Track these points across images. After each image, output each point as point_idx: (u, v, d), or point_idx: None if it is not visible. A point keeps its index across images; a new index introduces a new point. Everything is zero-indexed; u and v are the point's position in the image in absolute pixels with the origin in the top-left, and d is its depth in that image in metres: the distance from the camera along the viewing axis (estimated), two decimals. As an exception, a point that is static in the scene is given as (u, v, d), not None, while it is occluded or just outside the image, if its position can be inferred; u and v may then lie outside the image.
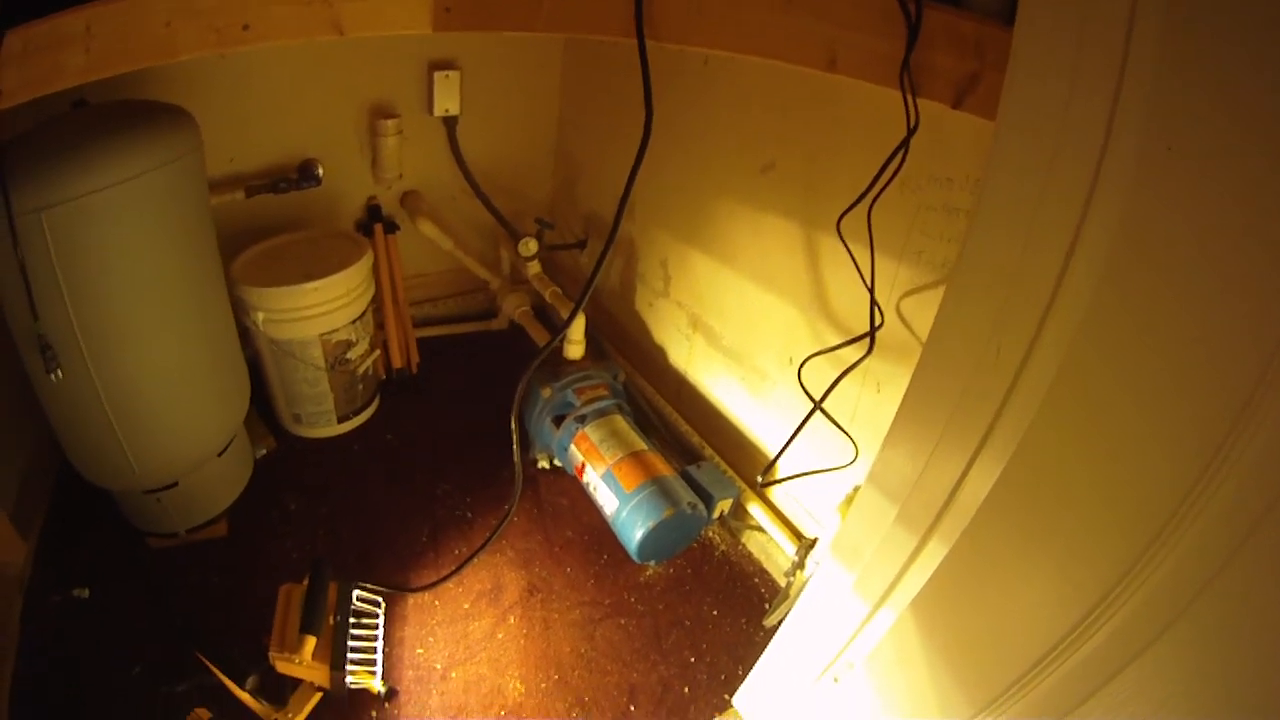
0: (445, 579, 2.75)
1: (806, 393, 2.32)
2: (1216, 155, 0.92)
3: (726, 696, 2.50)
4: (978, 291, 1.27)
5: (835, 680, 1.85)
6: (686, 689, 2.54)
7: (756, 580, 2.96)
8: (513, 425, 2.55)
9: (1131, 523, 1.10)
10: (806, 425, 2.31)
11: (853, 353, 2.24)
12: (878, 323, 2.13)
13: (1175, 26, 0.91)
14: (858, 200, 1.94)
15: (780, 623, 2.08)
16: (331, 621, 2.30)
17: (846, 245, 2.08)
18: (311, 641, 2.15)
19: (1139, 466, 1.09)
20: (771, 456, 2.82)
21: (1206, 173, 0.93)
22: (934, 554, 1.47)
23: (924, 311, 2.11)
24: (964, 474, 1.35)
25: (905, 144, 1.71)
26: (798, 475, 2.55)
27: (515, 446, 2.60)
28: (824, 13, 1.63)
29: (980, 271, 1.26)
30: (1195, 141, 0.93)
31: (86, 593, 2.56)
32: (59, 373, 2.13)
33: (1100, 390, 1.12)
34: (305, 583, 2.31)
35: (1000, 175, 1.18)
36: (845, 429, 2.32)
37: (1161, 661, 1.13)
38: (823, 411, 2.27)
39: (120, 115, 2.23)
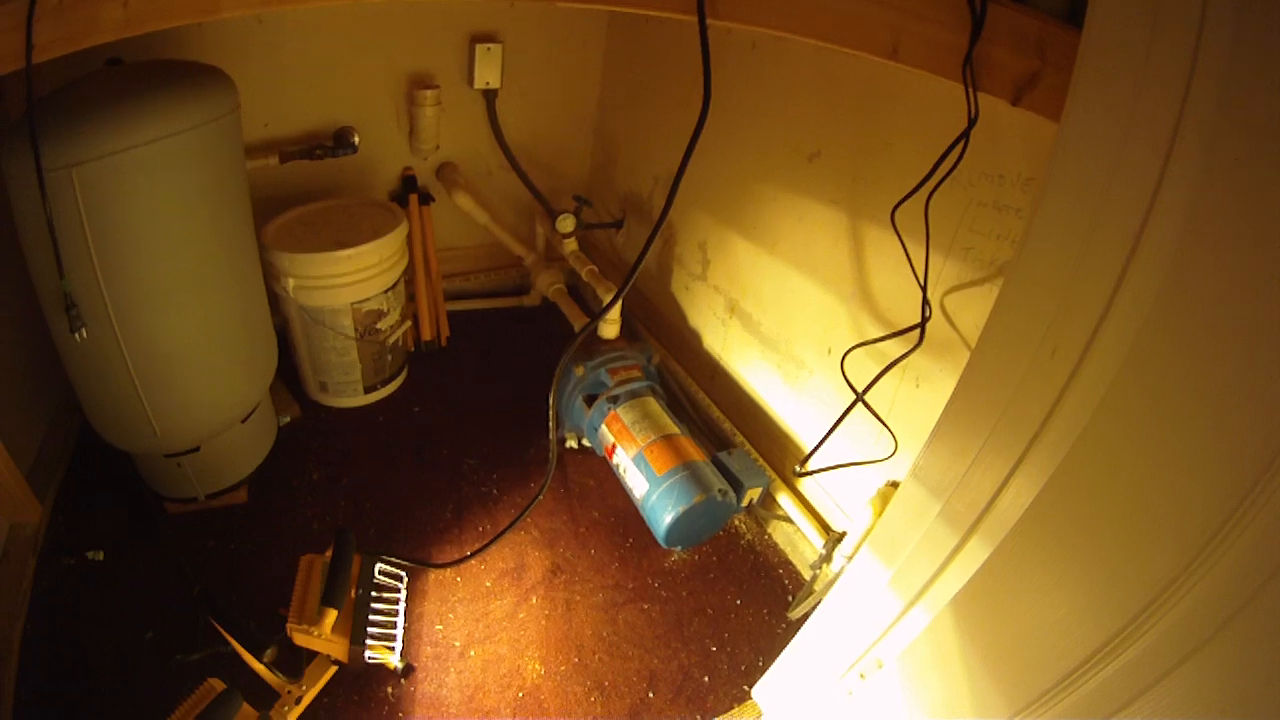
0: (470, 557, 2.73)
1: (849, 384, 2.28)
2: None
3: (746, 687, 2.47)
4: (1035, 291, 1.24)
5: (862, 677, 1.82)
6: (706, 678, 2.51)
7: (781, 571, 2.92)
8: (550, 404, 2.52)
9: (1177, 536, 1.08)
10: (846, 417, 2.27)
11: (894, 346, 2.22)
12: (927, 315, 2.09)
13: (1245, 35, 0.89)
14: (915, 189, 1.90)
15: (804, 616, 2.05)
16: (353, 595, 2.27)
17: (900, 236, 2.04)
18: (333, 615, 2.12)
19: (1192, 477, 1.06)
20: (804, 446, 2.80)
21: (1273, 178, 0.90)
22: (975, 554, 1.43)
23: (968, 308, 2.07)
24: (1010, 474, 1.32)
25: (966, 135, 1.68)
26: (836, 466, 2.51)
27: (551, 425, 2.58)
28: (888, 0, 1.59)
29: (1038, 271, 1.23)
30: (1262, 149, 0.90)
31: (101, 556, 2.56)
32: (84, 332, 2.10)
33: (1157, 399, 1.08)
34: (328, 554, 2.28)
35: (1063, 174, 1.16)
36: (885, 423, 2.28)
37: (1198, 676, 1.10)
38: (865, 404, 2.23)
39: (156, 74, 2.20)
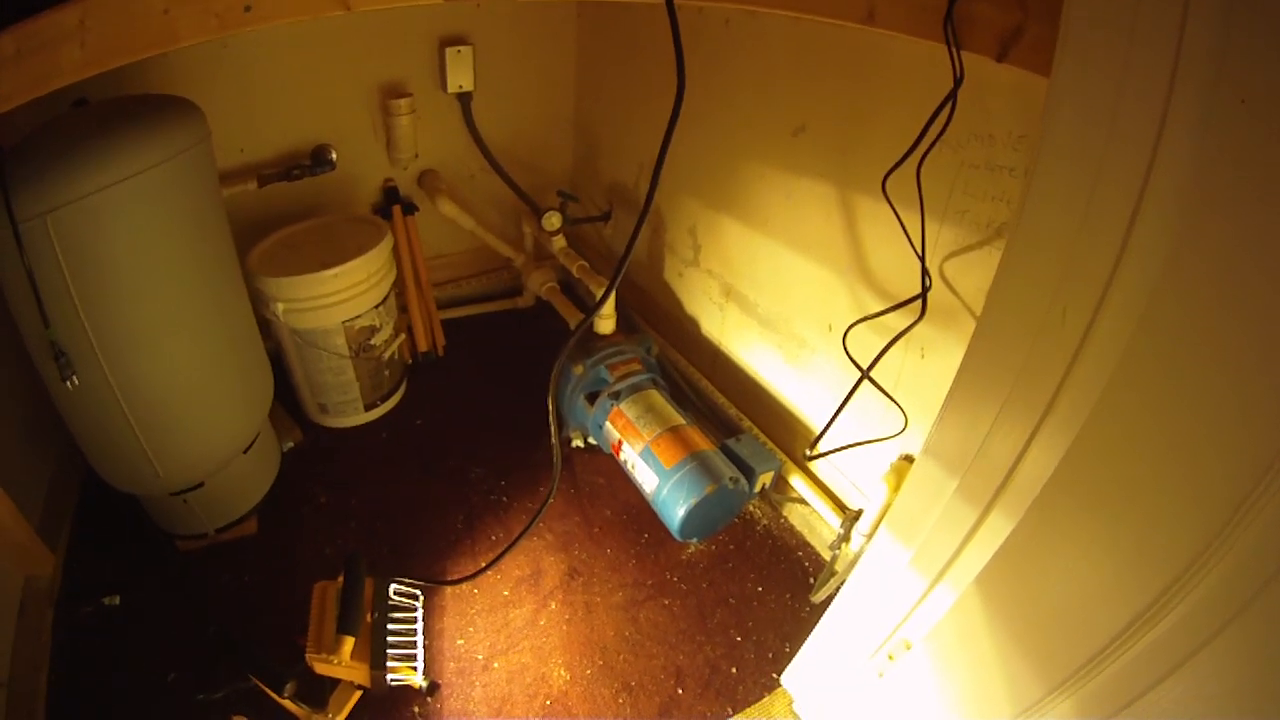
0: (483, 570, 2.71)
1: (854, 361, 2.26)
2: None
3: (774, 675, 2.45)
4: (1039, 254, 1.21)
5: (890, 658, 1.81)
6: (734, 669, 2.49)
7: (800, 554, 2.90)
8: (549, 408, 2.50)
9: (1205, 501, 1.05)
10: (853, 395, 2.25)
11: (897, 319, 2.19)
12: (925, 285, 2.07)
13: None
14: (905, 156, 1.88)
15: (828, 599, 2.03)
16: (369, 619, 2.25)
17: (892, 205, 2.02)
18: (350, 642, 2.10)
19: (1218, 441, 1.03)
20: (812, 425, 2.78)
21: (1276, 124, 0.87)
22: (997, 529, 1.41)
23: (969, 273, 2.04)
24: (1027, 445, 1.30)
25: (953, 95, 1.66)
26: (846, 447, 2.48)
27: (553, 430, 2.56)
28: None
29: (1041, 233, 1.19)
30: (1269, 87, 0.87)
31: (117, 600, 2.53)
32: (75, 379, 2.07)
33: (1177, 358, 1.05)
34: (340, 580, 2.26)
35: (1059, 127, 1.12)
36: (893, 397, 2.26)
37: (1236, 645, 1.07)
38: (871, 381, 2.21)
39: (122, 111, 2.16)
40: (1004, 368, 1.30)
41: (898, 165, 1.92)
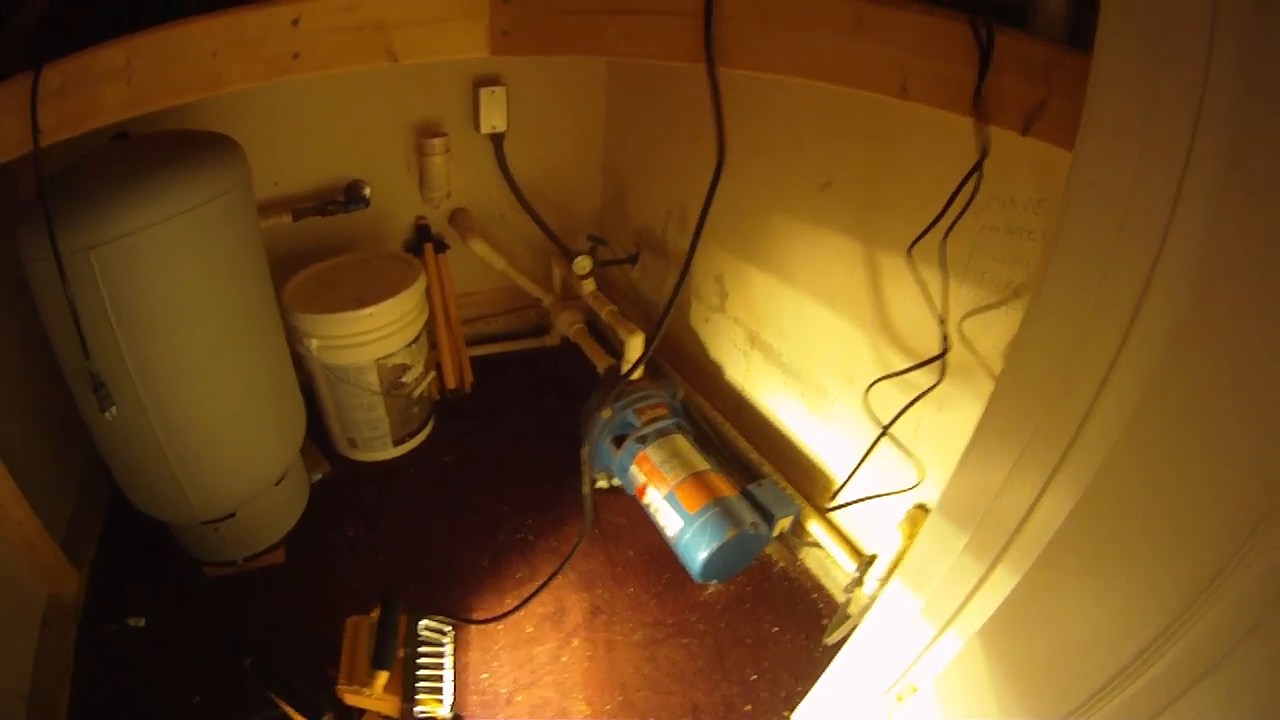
0: (512, 612, 2.75)
1: (874, 418, 2.31)
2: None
3: (786, 714, 2.49)
4: (1054, 324, 1.26)
5: (899, 699, 1.84)
6: (749, 706, 2.54)
7: (815, 596, 2.94)
8: (582, 458, 2.55)
9: (1193, 561, 1.11)
10: (869, 453, 2.30)
11: (920, 376, 2.23)
12: (945, 348, 2.12)
13: (1253, 51, 0.91)
14: (930, 226, 1.93)
15: (841, 641, 2.07)
16: (401, 654, 2.30)
17: (917, 273, 2.08)
18: (384, 677, 2.15)
19: (1204, 509, 1.09)
20: (830, 472, 2.82)
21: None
22: (1002, 583, 1.46)
23: (987, 332, 2.08)
24: (1034, 505, 1.35)
25: (978, 168, 1.70)
26: (865, 499, 2.54)
27: (585, 479, 2.60)
28: (893, 38, 1.61)
29: (1060, 299, 1.24)
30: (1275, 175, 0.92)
31: (142, 622, 2.58)
32: (114, 410, 2.13)
33: (1173, 433, 1.11)
34: (373, 614, 2.31)
35: (1081, 200, 1.17)
36: (909, 449, 2.31)
37: (1222, 688, 1.13)
38: (891, 437, 2.26)
39: (166, 147, 2.23)
40: (1017, 432, 1.35)
41: (923, 235, 1.97)
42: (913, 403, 2.22)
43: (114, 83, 1.57)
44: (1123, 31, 1.05)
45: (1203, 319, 1.02)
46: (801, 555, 3.07)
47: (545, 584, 2.80)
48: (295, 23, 1.74)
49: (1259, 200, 0.94)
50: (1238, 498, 1.04)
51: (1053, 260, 1.23)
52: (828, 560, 2.90)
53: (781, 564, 3.06)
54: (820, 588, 2.97)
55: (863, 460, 2.30)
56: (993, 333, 2.05)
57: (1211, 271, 0.99)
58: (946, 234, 1.94)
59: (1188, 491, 1.12)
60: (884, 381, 2.37)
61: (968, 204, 1.81)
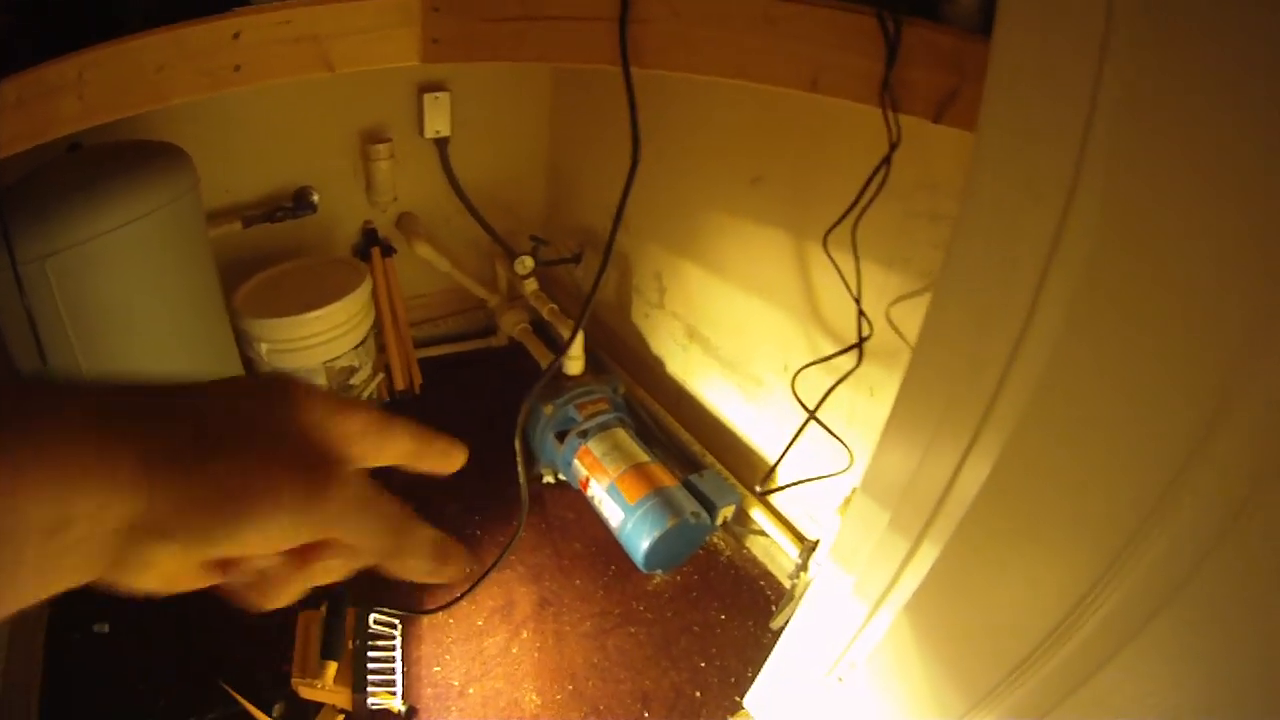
0: (458, 600, 2.79)
1: (801, 404, 2.36)
2: (1196, 148, 0.94)
3: (737, 698, 2.54)
4: (962, 299, 1.29)
5: (840, 680, 1.89)
6: (698, 693, 2.59)
7: (762, 583, 3.00)
8: (516, 447, 2.58)
9: (1117, 512, 1.13)
10: (803, 432, 2.35)
11: (846, 360, 2.29)
12: (866, 333, 2.17)
13: (1146, 35, 0.94)
14: (842, 217, 1.98)
15: (786, 625, 2.12)
16: (351, 646, 2.35)
17: (833, 260, 2.13)
18: (333, 667, 2.20)
19: (1125, 458, 1.12)
20: (770, 461, 2.86)
21: (1183, 164, 0.95)
22: (927, 556, 1.50)
23: (913, 317, 2.12)
24: (953, 478, 1.38)
25: (887, 160, 1.74)
26: (794, 484, 2.60)
27: (520, 469, 2.63)
28: (805, 35, 1.64)
29: (964, 279, 1.28)
30: (1171, 137, 0.96)
31: (106, 628, 2.60)
32: (70, 413, 2.15)
33: (1085, 386, 1.14)
34: (323, 609, 2.36)
35: (981, 182, 1.20)
36: (840, 435, 2.36)
37: (1148, 649, 1.16)
38: (817, 421, 2.31)
39: (118, 157, 2.27)
40: (930, 408, 1.40)
41: (836, 225, 2.03)
42: (834, 387, 2.28)
43: (67, 96, 1.60)
44: (1019, 12, 1.08)
45: (1102, 287, 1.06)
46: (747, 544, 3.13)
47: (488, 571, 2.83)
48: (236, 36, 1.77)
49: (1154, 166, 0.98)
50: (1135, 475, 1.09)
51: (956, 239, 1.27)
52: (773, 547, 2.96)
53: (728, 553, 3.11)
54: (767, 575, 3.03)
55: (790, 444, 2.36)
56: (918, 318, 2.07)
57: (1108, 241, 1.04)
58: (856, 223, 1.99)
59: (1088, 470, 1.16)
60: (811, 368, 2.43)
61: (877, 192, 1.85)
